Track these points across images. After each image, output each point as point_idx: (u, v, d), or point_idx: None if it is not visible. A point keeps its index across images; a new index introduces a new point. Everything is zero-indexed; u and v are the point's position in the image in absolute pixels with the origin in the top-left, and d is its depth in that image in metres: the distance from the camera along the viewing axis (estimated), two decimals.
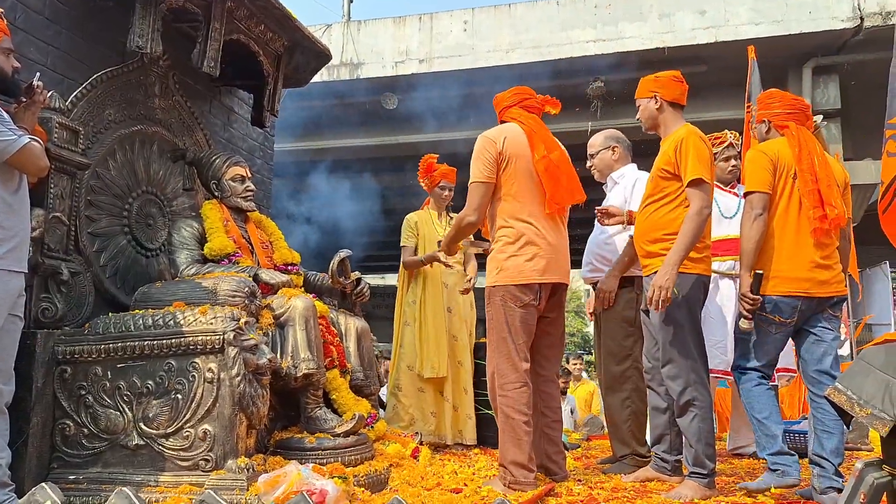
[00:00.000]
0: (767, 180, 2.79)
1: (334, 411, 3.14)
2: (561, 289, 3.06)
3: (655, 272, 2.82)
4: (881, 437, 1.77)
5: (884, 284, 10.63)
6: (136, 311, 2.90)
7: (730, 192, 3.99)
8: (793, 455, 2.76)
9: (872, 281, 10.93)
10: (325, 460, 2.83)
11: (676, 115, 3.00)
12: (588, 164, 3.79)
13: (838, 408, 1.85)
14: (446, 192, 4.38)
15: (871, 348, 1.92)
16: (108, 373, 2.77)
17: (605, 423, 3.94)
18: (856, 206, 9.61)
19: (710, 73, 9.88)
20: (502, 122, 3.13)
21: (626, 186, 3.51)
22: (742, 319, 2.83)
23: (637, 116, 3.11)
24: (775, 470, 2.72)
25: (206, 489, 2.37)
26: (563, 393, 6.88)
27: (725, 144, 3.93)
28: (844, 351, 10.26)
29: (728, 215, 3.90)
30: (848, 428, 2.65)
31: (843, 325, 10.37)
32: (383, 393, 4.54)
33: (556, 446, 3.08)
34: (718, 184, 3.96)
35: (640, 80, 3.12)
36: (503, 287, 2.92)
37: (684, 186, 2.80)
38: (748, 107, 4.79)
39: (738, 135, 4.03)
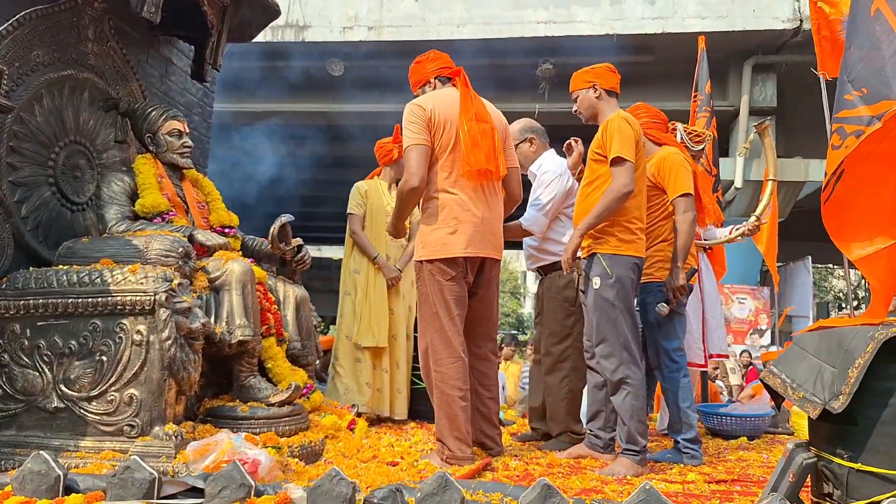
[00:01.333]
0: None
1: (269, 380, 3.07)
2: (490, 263, 3.01)
3: (593, 254, 2.92)
4: (809, 419, 1.85)
5: (805, 278, 11.25)
6: (60, 266, 2.74)
7: None
8: (701, 442, 3.12)
9: (795, 274, 11.54)
10: (258, 430, 2.77)
11: (612, 104, 3.09)
12: None
13: (771, 390, 1.91)
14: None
15: (806, 334, 1.99)
16: (28, 330, 2.62)
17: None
18: (784, 202, 10.08)
19: (658, 64, 10.08)
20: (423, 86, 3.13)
21: (541, 180, 3.51)
22: (663, 305, 3.09)
23: (575, 108, 3.15)
24: (686, 452, 3.03)
25: (131, 455, 2.27)
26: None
27: (701, 147, 4.02)
28: (766, 340, 10.83)
29: None
30: (778, 410, 2.78)
31: (765, 316, 10.96)
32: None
33: (492, 423, 3.09)
34: None
35: (574, 74, 3.16)
36: (429, 262, 2.90)
37: (608, 161, 2.89)
38: (695, 96, 4.89)
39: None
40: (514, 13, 10.26)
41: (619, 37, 9.72)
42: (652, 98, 10.58)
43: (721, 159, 4.79)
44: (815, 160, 10.01)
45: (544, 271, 3.58)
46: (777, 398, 1.99)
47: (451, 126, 2.91)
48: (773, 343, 10.45)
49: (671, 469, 2.90)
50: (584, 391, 3.36)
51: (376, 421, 3.98)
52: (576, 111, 3.17)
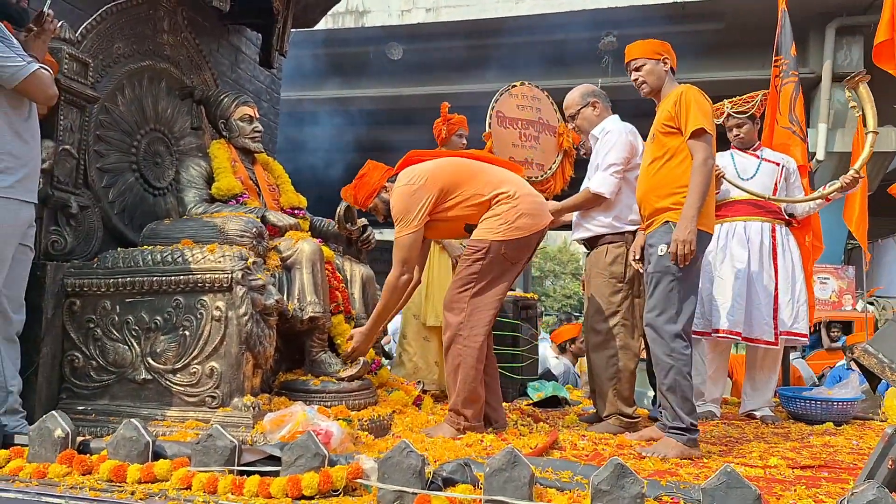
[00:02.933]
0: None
1: (338, 356, 3.17)
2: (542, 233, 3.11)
3: (665, 222, 2.78)
4: None
5: (894, 256, 10.50)
6: (145, 246, 2.90)
7: (751, 154, 3.96)
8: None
9: (883, 252, 10.81)
10: (329, 403, 2.87)
11: (673, 81, 3.01)
12: (570, 125, 3.71)
13: (866, 370, 1.82)
14: (463, 141, 4.32)
15: None
16: (117, 307, 2.79)
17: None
18: (872, 174, 9.54)
19: (728, 32, 9.66)
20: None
21: (605, 141, 3.40)
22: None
23: (639, 77, 3.00)
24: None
25: (213, 425, 2.40)
26: (564, 350, 6.94)
27: (744, 107, 3.88)
28: None
29: (745, 177, 3.87)
30: (874, 392, 2.65)
31: (849, 297, 10.35)
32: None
33: (496, 396, 3.15)
34: (736, 147, 3.97)
35: (638, 42, 3.02)
36: (502, 241, 2.91)
37: (686, 139, 2.78)
38: (776, 60, 4.59)
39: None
40: None
41: (687, 4, 9.35)
42: (724, 68, 10.22)
43: (809, 129, 4.48)
44: None
45: (590, 244, 3.47)
46: (873, 379, 1.88)
47: (442, 165, 3.00)
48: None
49: (751, 453, 2.78)
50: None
51: (441, 398, 4.05)
52: (637, 80, 3.01)
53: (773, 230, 3.88)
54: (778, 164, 3.96)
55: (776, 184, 3.92)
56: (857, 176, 3.86)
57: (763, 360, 3.91)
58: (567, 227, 3.83)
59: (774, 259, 3.84)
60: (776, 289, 3.82)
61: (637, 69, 3.00)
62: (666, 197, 2.84)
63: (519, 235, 2.92)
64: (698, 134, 2.74)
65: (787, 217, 3.98)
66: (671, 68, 3.00)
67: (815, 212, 4.08)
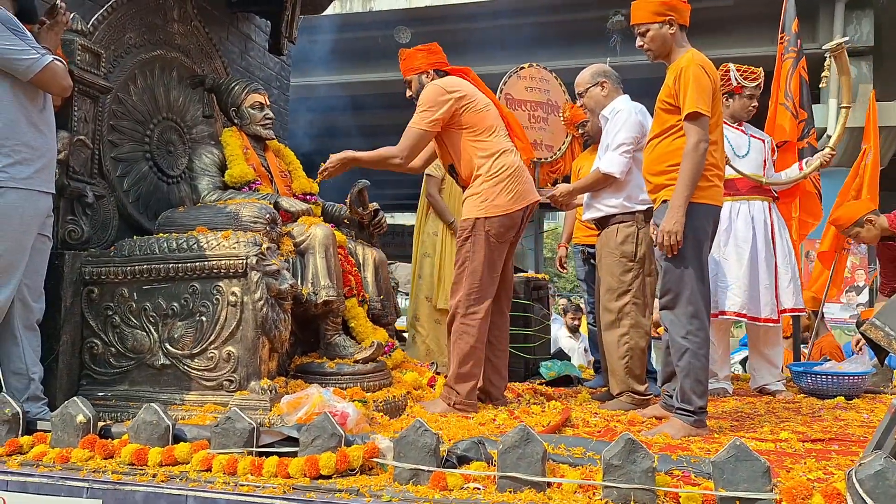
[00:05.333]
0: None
1: (352, 339, 3.21)
2: (532, 208, 3.18)
3: (665, 201, 2.72)
4: None
5: None
6: (161, 234, 2.94)
7: (739, 129, 3.91)
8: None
9: None
10: (344, 385, 2.91)
11: (684, 39, 2.83)
12: (578, 102, 3.70)
13: (874, 344, 1.82)
14: None
15: None
16: (134, 294, 2.83)
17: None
18: (884, 149, 9.41)
19: (738, 7, 9.53)
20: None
21: (615, 121, 3.40)
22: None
23: (643, 44, 2.82)
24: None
25: (231, 408, 2.45)
26: (576, 330, 6.98)
27: (757, 83, 3.82)
28: (863, 298, 10.24)
29: (740, 154, 3.84)
30: (882, 365, 2.64)
31: (862, 272, 10.30)
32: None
33: (500, 374, 3.25)
34: (727, 121, 3.80)
35: (637, 3, 2.81)
36: (487, 219, 3.03)
37: (682, 116, 2.66)
38: (781, 37, 4.58)
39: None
40: None
41: None
42: (733, 44, 10.11)
43: (814, 106, 4.46)
44: None
45: (601, 224, 3.48)
46: (880, 353, 1.89)
47: (480, 99, 3.13)
48: (871, 301, 9.86)
49: (762, 427, 2.79)
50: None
51: None
52: (642, 46, 2.84)
53: (769, 208, 3.91)
54: (763, 141, 3.97)
55: (765, 161, 3.93)
56: (832, 154, 3.94)
57: (766, 335, 3.92)
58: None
59: (772, 238, 3.86)
60: (775, 267, 3.84)
61: (641, 34, 2.83)
62: (661, 174, 2.78)
63: (498, 213, 3.00)
64: (693, 117, 2.61)
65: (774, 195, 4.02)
66: (682, 24, 2.80)
67: (794, 185, 4.15)
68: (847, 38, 4.05)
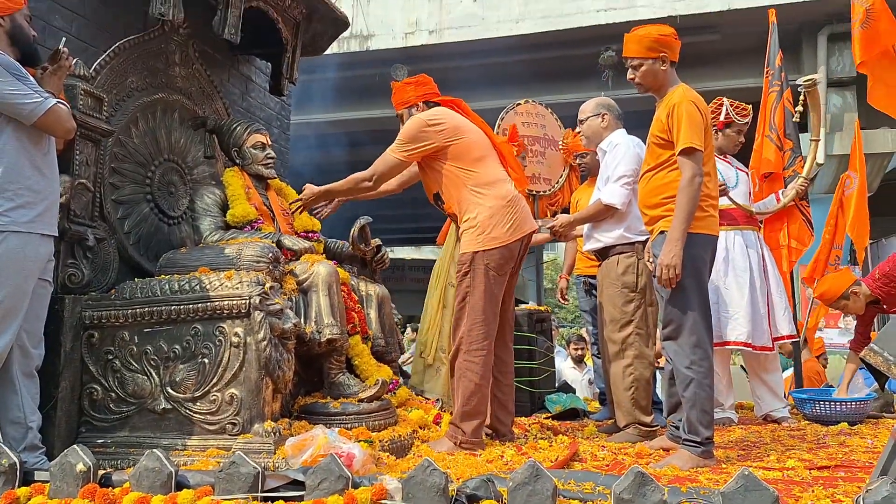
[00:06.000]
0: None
1: (356, 377, 3.17)
2: (528, 239, 3.14)
3: (662, 232, 2.75)
4: None
5: None
6: (163, 276, 2.93)
7: (726, 161, 3.98)
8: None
9: (888, 251, 10.85)
10: (350, 425, 2.86)
11: (674, 75, 2.89)
12: (577, 129, 3.75)
13: (873, 369, 1.84)
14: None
15: None
16: (135, 337, 2.80)
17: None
18: (871, 176, 9.56)
19: (723, 42, 9.77)
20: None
21: (614, 153, 3.45)
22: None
23: (635, 77, 2.86)
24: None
25: (234, 452, 2.40)
26: (580, 361, 6.92)
27: (746, 120, 3.91)
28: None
29: (730, 185, 3.89)
30: (883, 390, 2.65)
31: None
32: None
33: (507, 409, 3.19)
34: (718, 154, 3.87)
35: (637, 34, 2.86)
36: (486, 251, 2.98)
37: (676, 153, 2.71)
38: (767, 71, 4.71)
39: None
40: (571, 4, 10.18)
41: (683, 18, 9.46)
42: (721, 77, 10.29)
43: (801, 135, 4.59)
44: None
45: (601, 255, 3.49)
46: (880, 378, 1.90)
47: (468, 130, 3.10)
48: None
49: (769, 456, 2.80)
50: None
51: None
52: (633, 79, 2.88)
53: (759, 238, 4.01)
54: (747, 173, 4.11)
55: (749, 192, 4.06)
56: (805, 184, 4.16)
57: (766, 362, 3.93)
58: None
59: (764, 267, 3.93)
60: (769, 295, 3.88)
61: (634, 67, 2.87)
62: (656, 206, 2.82)
63: (496, 245, 2.96)
64: (687, 152, 2.67)
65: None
66: (674, 61, 2.86)
67: (779, 214, 4.33)
68: (817, 77, 4.23)
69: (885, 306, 3.99)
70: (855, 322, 4.21)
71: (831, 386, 4.51)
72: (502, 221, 2.97)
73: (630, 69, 2.89)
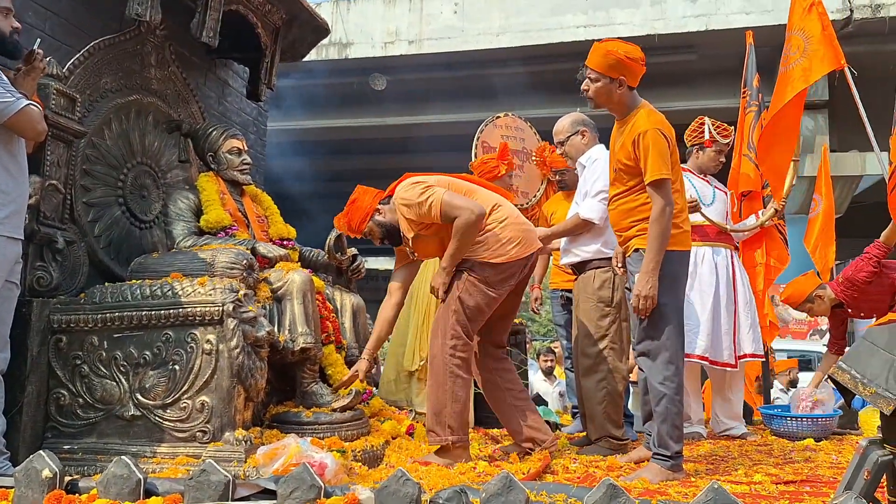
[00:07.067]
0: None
1: (330, 386, 3.15)
2: (534, 256, 3.13)
3: (637, 250, 2.76)
4: (882, 415, 1.81)
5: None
6: (134, 281, 2.88)
7: (704, 179, 4.04)
8: None
9: None
10: (322, 434, 2.84)
11: (635, 96, 2.85)
12: (559, 150, 3.78)
13: (841, 386, 1.88)
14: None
15: (876, 328, 1.96)
16: (105, 342, 2.75)
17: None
18: (841, 198, 9.80)
19: (701, 62, 9.95)
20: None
21: (593, 169, 3.47)
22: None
23: (589, 90, 2.81)
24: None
25: (204, 460, 2.37)
26: (550, 373, 6.95)
27: (728, 140, 3.98)
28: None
29: (706, 202, 3.95)
30: (850, 407, 2.70)
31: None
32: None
33: (535, 415, 3.13)
34: (693, 171, 3.97)
35: (603, 46, 2.78)
36: (485, 265, 2.93)
37: (645, 183, 2.70)
38: (744, 92, 4.81)
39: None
40: (552, 19, 10.29)
41: (661, 37, 9.64)
42: (698, 97, 10.48)
43: None
44: (872, 153, 9.72)
45: (578, 269, 3.51)
46: (847, 395, 1.95)
47: (442, 181, 3.00)
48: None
49: (737, 470, 2.84)
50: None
51: None
52: (586, 91, 2.82)
53: (732, 256, 4.04)
54: (725, 193, 4.17)
55: (727, 212, 4.12)
56: (781, 205, 4.25)
57: (730, 381, 3.99)
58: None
59: (734, 284, 3.96)
60: (735, 313, 3.93)
61: (591, 80, 2.81)
62: (628, 228, 2.83)
63: (498, 260, 2.92)
64: (657, 184, 2.65)
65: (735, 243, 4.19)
66: (633, 87, 2.80)
67: (756, 233, 4.39)
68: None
69: (849, 310, 4.08)
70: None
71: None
72: (507, 239, 2.93)
73: (587, 79, 2.83)
